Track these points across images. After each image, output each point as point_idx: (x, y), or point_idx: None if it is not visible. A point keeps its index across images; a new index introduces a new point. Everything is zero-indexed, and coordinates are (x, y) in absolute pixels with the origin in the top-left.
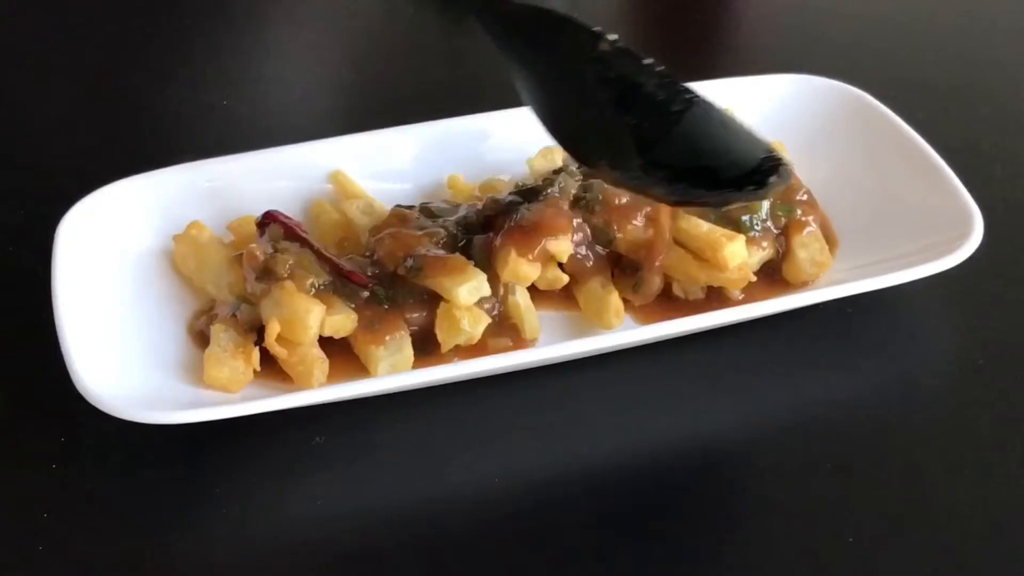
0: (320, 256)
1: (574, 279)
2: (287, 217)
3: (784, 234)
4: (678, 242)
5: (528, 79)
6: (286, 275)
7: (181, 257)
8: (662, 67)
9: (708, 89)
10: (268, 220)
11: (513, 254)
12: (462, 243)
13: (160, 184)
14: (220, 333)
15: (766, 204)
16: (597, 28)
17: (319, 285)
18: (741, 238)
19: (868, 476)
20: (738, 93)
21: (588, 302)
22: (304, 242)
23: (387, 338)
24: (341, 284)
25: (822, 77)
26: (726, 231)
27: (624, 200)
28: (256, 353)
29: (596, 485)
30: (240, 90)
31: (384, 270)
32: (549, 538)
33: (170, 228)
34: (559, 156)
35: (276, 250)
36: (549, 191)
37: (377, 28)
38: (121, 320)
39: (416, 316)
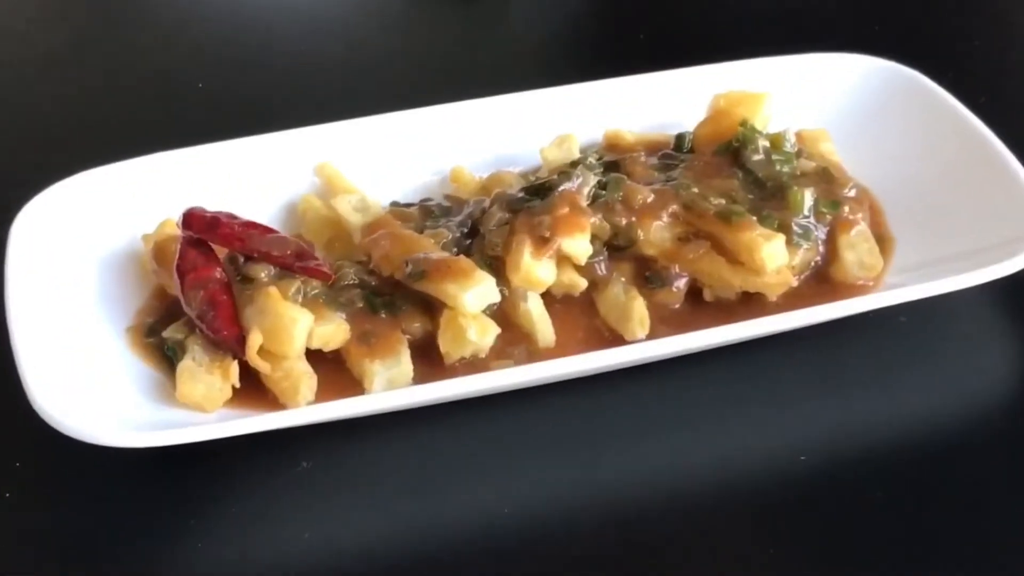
0: (257, 254)
1: (593, 284)
2: (215, 214)
3: (830, 233)
4: (711, 240)
5: None
6: (267, 280)
7: (151, 259)
8: None
9: (745, 70)
10: (189, 221)
11: (525, 256)
12: (467, 244)
13: (128, 177)
14: (194, 344)
15: (809, 200)
16: None
17: (307, 291)
18: (780, 238)
19: (922, 501)
20: (778, 74)
21: (609, 310)
22: (231, 241)
23: (383, 351)
24: (330, 290)
25: (872, 56)
26: (764, 230)
27: (648, 197)
28: (235, 367)
29: (620, 514)
30: (217, 71)
31: (380, 275)
32: None
33: (139, 226)
34: (576, 146)
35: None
36: (565, 185)
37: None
38: (83, 330)
39: (416, 326)
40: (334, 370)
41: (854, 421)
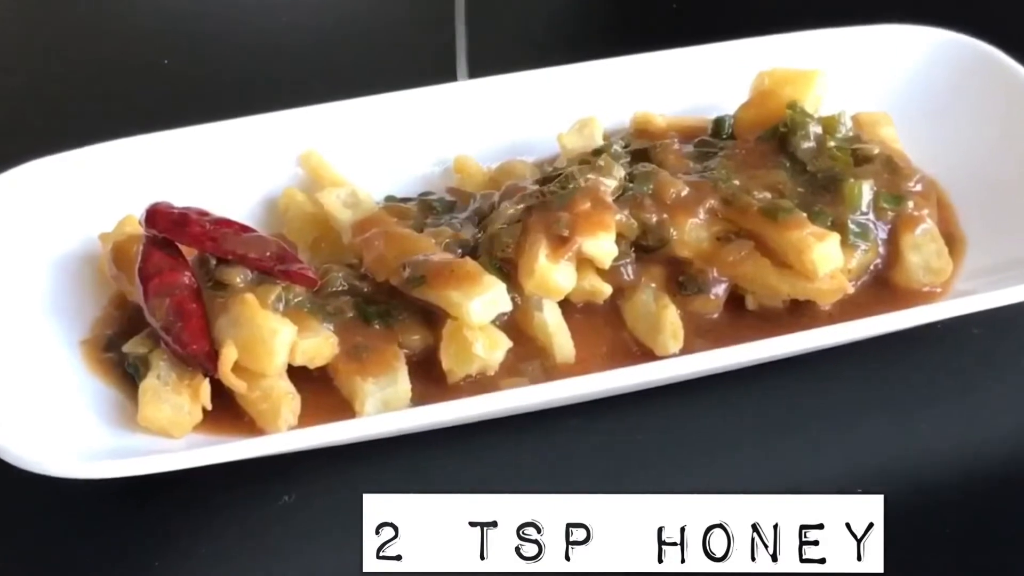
0: (231, 256)
1: (619, 291)
2: (183, 211)
3: (891, 233)
4: (755, 240)
5: None
6: (243, 286)
7: (110, 262)
8: None
9: (794, 44)
10: (153, 219)
11: (541, 258)
12: (474, 245)
13: (83, 167)
14: (159, 360)
15: (868, 195)
16: None
17: (289, 299)
18: (835, 238)
19: (997, 535)
20: (832, 49)
21: (637, 320)
22: (201, 241)
23: (377, 367)
24: (315, 298)
25: (940, 28)
26: (815, 228)
27: (683, 190)
28: (206, 387)
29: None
30: (185, 46)
31: (373, 280)
32: None
33: (96, 224)
34: (599, 131)
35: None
36: (587, 177)
37: None
38: (31, 343)
39: (415, 339)
40: (320, 390)
41: (919, 447)
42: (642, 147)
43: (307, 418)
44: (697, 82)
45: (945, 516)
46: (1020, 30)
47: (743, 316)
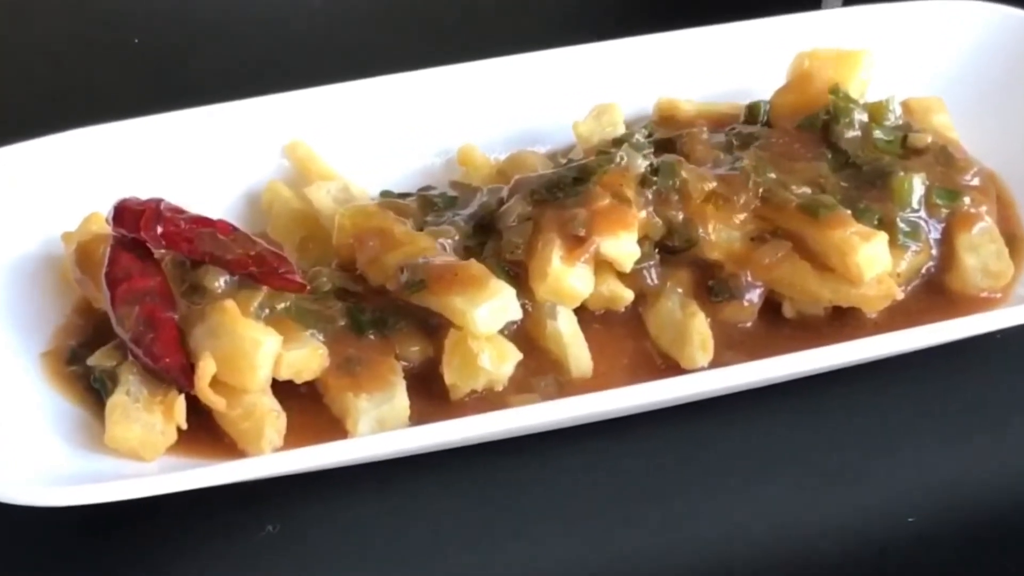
0: (209, 258)
1: (641, 297)
2: (155, 207)
3: (946, 232)
4: (793, 240)
5: None
6: (222, 291)
7: (73, 264)
8: None
9: (836, 21)
10: (121, 217)
11: (554, 260)
12: (479, 245)
13: (43, 159)
14: (129, 374)
15: (919, 189)
16: None
17: (274, 306)
18: (882, 237)
19: None
20: (879, 26)
21: (662, 329)
22: (175, 242)
23: (372, 382)
24: (303, 304)
25: (1001, 4)
26: (861, 227)
27: (712, 185)
28: (180, 404)
29: None
30: (158, 23)
31: (367, 284)
32: None
33: (58, 222)
34: (619, 119)
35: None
36: (606, 170)
37: None
38: None
39: (414, 350)
40: (308, 407)
41: (976, 472)
42: (667, 136)
43: (293, 438)
44: (729, 64)
45: (999, 547)
46: None
47: (779, 325)
